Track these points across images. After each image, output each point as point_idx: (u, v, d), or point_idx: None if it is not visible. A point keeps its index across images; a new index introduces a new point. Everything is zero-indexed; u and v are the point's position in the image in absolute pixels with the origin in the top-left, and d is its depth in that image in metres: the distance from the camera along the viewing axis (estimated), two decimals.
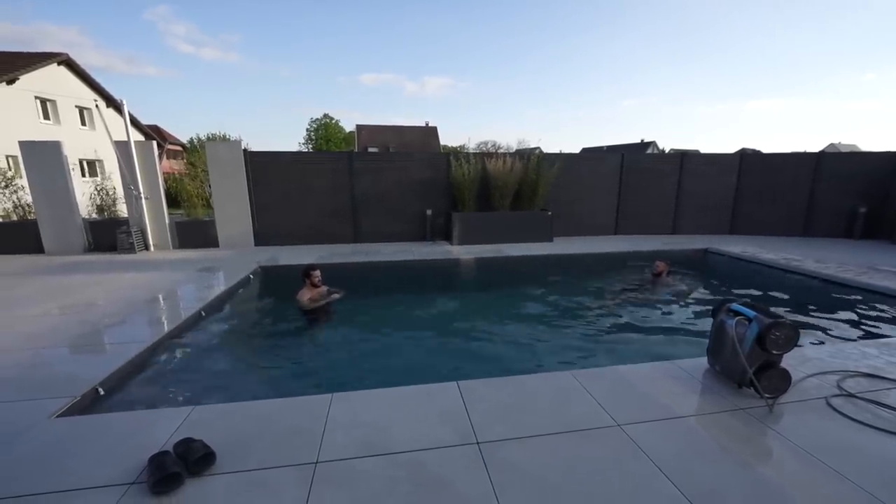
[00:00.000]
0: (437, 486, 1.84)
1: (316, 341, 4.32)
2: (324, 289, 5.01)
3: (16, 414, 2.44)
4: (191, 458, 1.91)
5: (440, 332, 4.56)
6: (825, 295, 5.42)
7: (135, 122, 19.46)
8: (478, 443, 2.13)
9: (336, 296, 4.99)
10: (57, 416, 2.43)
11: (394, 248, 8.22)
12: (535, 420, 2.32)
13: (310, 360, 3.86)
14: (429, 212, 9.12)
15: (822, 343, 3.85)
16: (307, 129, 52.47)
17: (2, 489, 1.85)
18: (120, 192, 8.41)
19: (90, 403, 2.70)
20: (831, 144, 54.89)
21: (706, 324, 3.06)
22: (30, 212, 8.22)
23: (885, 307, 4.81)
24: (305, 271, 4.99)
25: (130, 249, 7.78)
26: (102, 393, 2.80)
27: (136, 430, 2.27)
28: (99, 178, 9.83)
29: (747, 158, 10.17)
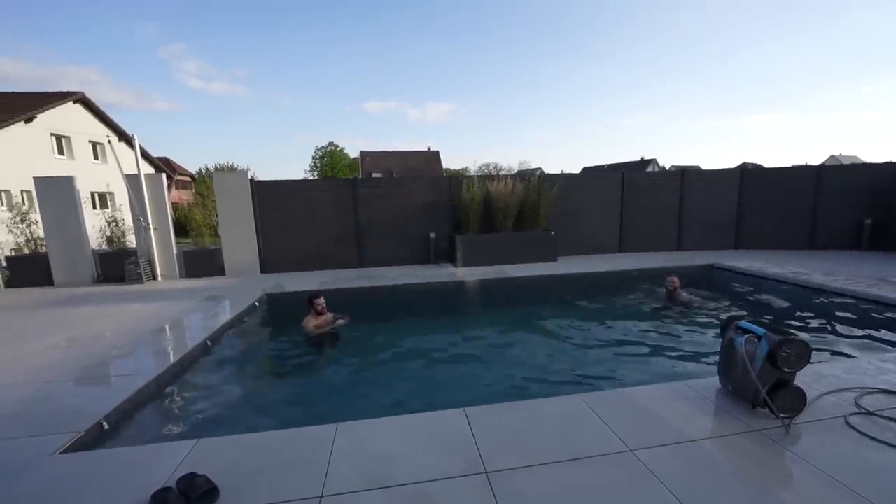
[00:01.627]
0: None
1: (321, 369, 4.28)
2: (329, 316, 5.01)
3: (20, 450, 2.43)
4: (193, 495, 1.88)
5: (446, 356, 4.51)
6: (836, 309, 5.32)
7: (145, 155, 20.04)
8: (486, 472, 2.07)
9: (341, 321, 4.98)
10: (61, 453, 2.41)
11: (398, 272, 8.25)
12: (545, 447, 2.27)
13: (315, 389, 3.83)
14: (432, 235, 9.19)
15: (836, 359, 3.76)
16: (313, 157, 53.69)
17: None
18: (130, 223, 8.59)
19: (95, 438, 2.68)
20: (832, 157, 55.11)
21: (717, 341, 3.01)
22: (41, 245, 8.38)
23: None
24: (309, 299, 5.00)
25: (138, 280, 7.87)
26: (107, 427, 2.78)
27: (140, 466, 2.25)
28: (109, 210, 10.05)
29: (748, 173, 10.23)
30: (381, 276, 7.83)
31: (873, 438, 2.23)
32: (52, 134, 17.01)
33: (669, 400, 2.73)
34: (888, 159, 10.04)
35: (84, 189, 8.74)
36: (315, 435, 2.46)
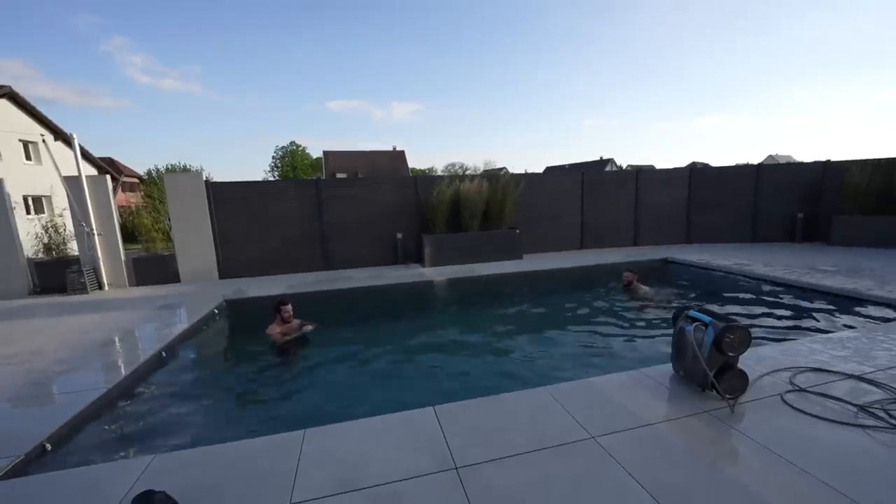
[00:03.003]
0: None
1: (287, 376, 4.16)
2: (295, 323, 4.87)
3: None
4: None
5: (416, 356, 4.52)
6: (774, 295, 5.81)
7: (86, 156, 18.56)
8: (456, 468, 2.11)
9: (308, 328, 4.86)
10: None
11: (365, 274, 8.15)
12: (513, 440, 2.33)
13: (281, 397, 3.72)
14: (399, 235, 9.15)
15: (774, 342, 4.11)
16: (273, 157, 51.88)
17: None
18: (71, 228, 7.94)
19: (36, 461, 2.47)
20: (770, 156, 59.82)
21: (671, 330, 3.20)
22: None
23: (826, 304, 5.21)
24: (276, 305, 4.84)
25: (82, 290, 7.30)
26: (50, 448, 2.58)
27: (91, 487, 2.10)
28: (46, 215, 9.25)
29: (696, 172, 10.93)
30: (347, 279, 7.70)
31: (805, 413, 2.47)
32: None
33: (628, 387, 2.89)
34: (817, 158, 11.04)
35: (16, 192, 7.98)
36: (282, 443, 2.40)
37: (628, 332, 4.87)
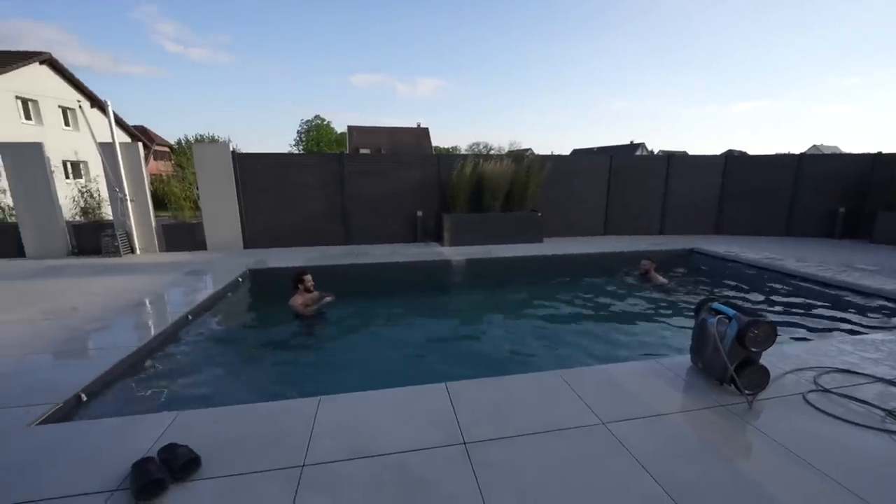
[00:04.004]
0: (422, 487, 1.86)
1: (305, 346, 4.30)
2: (315, 294, 4.99)
3: None
4: (175, 464, 1.90)
5: (431, 333, 4.57)
6: (805, 293, 5.55)
7: (120, 123, 19.14)
8: (464, 443, 2.15)
9: (328, 299, 4.97)
10: (37, 424, 2.39)
11: (385, 250, 8.22)
12: (522, 420, 2.35)
13: (299, 365, 3.85)
14: (419, 213, 9.14)
15: (800, 340, 3.95)
16: (298, 131, 52.17)
17: None
18: (105, 194, 8.27)
19: (73, 410, 2.66)
20: (814, 146, 56.19)
21: (691, 322, 3.12)
22: (10, 214, 8.04)
23: (861, 304, 4.95)
24: (297, 276, 4.96)
25: (115, 253, 7.66)
26: (85, 399, 2.76)
27: (120, 437, 2.25)
28: (83, 181, 9.65)
29: (732, 160, 10.38)
30: (367, 254, 7.79)
31: (827, 413, 2.38)
32: (17, 97, 16.04)
33: (643, 376, 2.84)
34: (865, 150, 10.29)
35: (55, 157, 8.33)
36: (297, 408, 2.49)
37: (645, 322, 4.78)
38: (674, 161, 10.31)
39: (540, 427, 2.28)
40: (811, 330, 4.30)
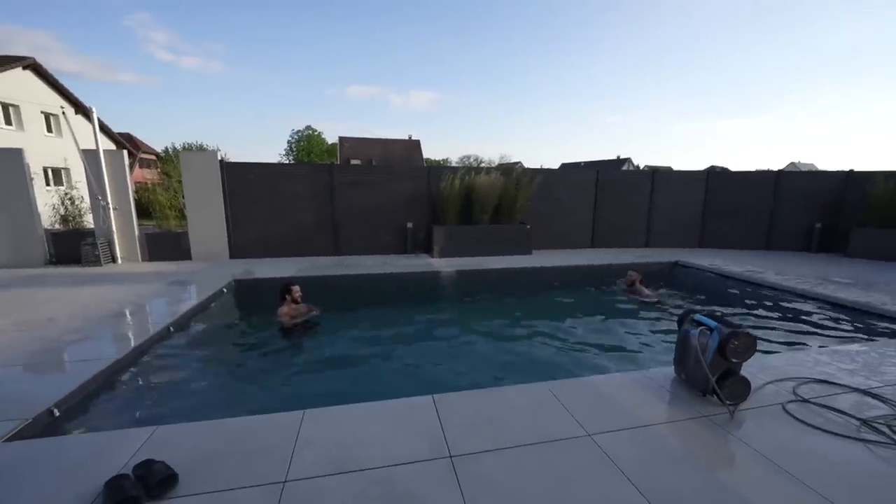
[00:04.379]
0: (408, 502, 1.83)
1: (291, 358, 4.23)
2: (303, 306, 4.93)
3: None
4: (151, 481, 1.84)
5: (418, 345, 4.54)
6: (784, 305, 5.70)
7: (105, 130, 18.84)
8: (451, 456, 2.13)
9: (315, 312, 4.92)
10: (4, 441, 2.29)
11: (374, 261, 8.18)
12: (509, 432, 2.34)
13: (284, 377, 3.78)
14: (410, 224, 9.15)
15: (780, 351, 4.04)
16: (288, 141, 52.00)
17: None
18: (88, 202, 8.10)
19: (44, 426, 2.56)
20: (792, 163, 58.27)
21: (675, 333, 3.17)
22: None
23: (836, 316, 5.10)
24: (285, 287, 4.90)
25: (96, 262, 7.46)
26: (58, 414, 2.66)
27: (94, 453, 2.17)
28: (64, 187, 9.43)
29: (714, 176, 10.69)
30: (356, 265, 7.74)
31: (806, 424, 2.43)
32: None
33: (627, 388, 2.87)
34: (841, 168, 10.73)
35: (35, 163, 8.15)
36: (281, 422, 2.44)
37: (631, 333, 4.83)
38: (658, 176, 10.58)
39: (527, 439, 2.28)
40: (790, 341, 4.41)
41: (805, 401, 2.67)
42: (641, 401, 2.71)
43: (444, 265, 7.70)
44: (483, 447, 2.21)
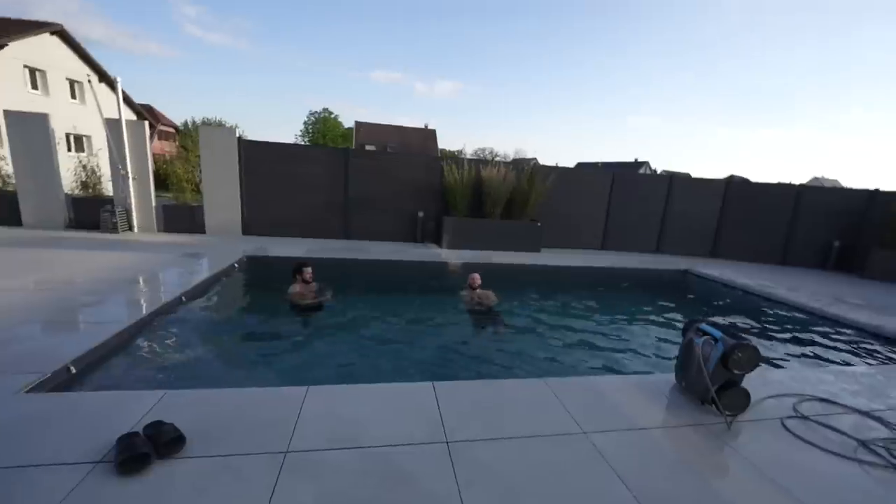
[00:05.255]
0: (403, 480, 1.89)
1: (297, 335, 4.31)
2: (314, 286, 5.01)
3: None
4: (160, 441, 1.92)
5: (422, 333, 4.60)
6: (794, 321, 5.63)
7: (127, 101, 19.10)
8: (447, 442, 2.18)
9: (327, 294, 5.00)
10: (25, 392, 2.41)
11: (384, 248, 8.25)
12: (505, 423, 2.39)
13: (290, 354, 3.86)
14: (420, 214, 9.18)
15: (784, 367, 4.01)
16: (305, 122, 52.07)
17: None
18: (106, 170, 8.27)
19: (61, 382, 2.67)
20: (815, 178, 56.73)
21: (679, 340, 3.17)
22: (8, 182, 8.01)
23: (847, 338, 5.03)
24: (297, 267, 4.98)
25: (113, 229, 7.64)
26: (74, 372, 2.77)
27: (106, 411, 2.27)
28: (85, 154, 9.63)
29: (733, 185, 10.50)
30: (366, 251, 7.81)
31: (804, 440, 2.43)
32: (25, 66, 15.98)
33: (626, 391, 2.89)
34: (865, 186, 10.46)
35: (59, 129, 8.33)
36: (285, 395, 2.52)
37: (633, 338, 4.83)
38: (675, 182, 10.42)
39: (522, 432, 2.32)
40: (795, 357, 4.37)
41: (805, 417, 2.66)
42: (639, 404, 2.73)
43: (452, 256, 7.73)
44: (479, 435, 2.26)
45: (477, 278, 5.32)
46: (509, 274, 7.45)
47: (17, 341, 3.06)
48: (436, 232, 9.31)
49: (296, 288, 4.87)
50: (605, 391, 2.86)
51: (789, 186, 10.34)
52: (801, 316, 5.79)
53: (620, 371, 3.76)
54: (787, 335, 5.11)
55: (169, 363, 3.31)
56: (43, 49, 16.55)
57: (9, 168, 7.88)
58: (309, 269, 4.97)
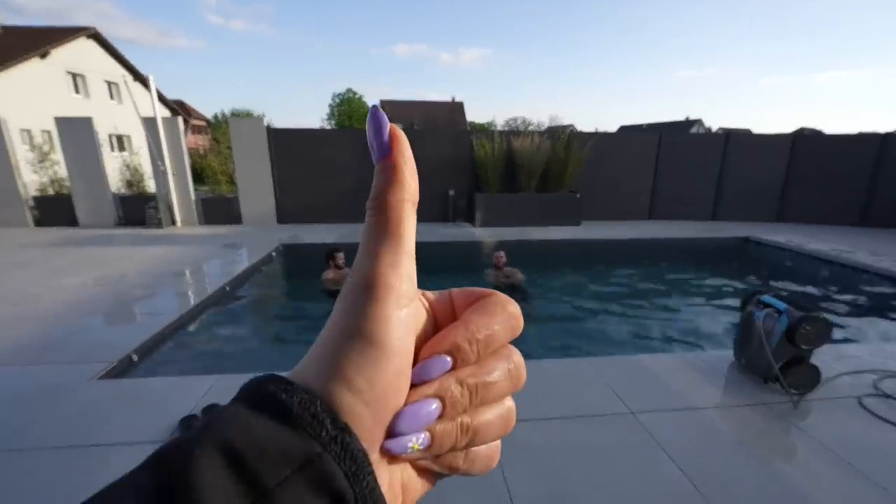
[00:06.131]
0: None
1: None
2: (346, 271, 5.07)
3: (60, 376, 2.62)
4: None
5: None
6: (875, 290, 5.06)
7: (161, 98, 19.78)
8: None
9: None
10: (97, 379, 2.59)
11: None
12: (549, 404, 2.32)
13: None
14: (451, 192, 9.00)
15: (862, 341, 3.66)
16: (329, 105, 52.21)
17: (51, 441, 2.01)
18: (148, 167, 8.65)
19: (125, 369, 2.86)
20: None
21: (735, 315, 2.95)
22: (63, 186, 8.57)
23: None
24: (329, 252, 5.05)
25: (158, 224, 8.05)
26: (136, 359, 2.96)
27: (166, 396, 2.40)
28: (127, 153, 10.11)
29: (802, 140, 9.34)
30: None
31: (885, 420, 2.20)
32: (67, 72, 16.83)
33: (678, 369, 2.73)
34: None
35: (102, 130, 8.74)
36: None
37: (685, 313, 4.57)
38: (732, 140, 9.47)
39: (566, 412, 2.25)
40: (877, 332, 3.96)
41: (888, 396, 2.41)
42: (693, 383, 2.57)
43: (486, 235, 7.59)
44: (522, 416, 2.20)
45: (503, 256, 5.20)
46: (549, 249, 7.22)
47: (83, 332, 3.30)
48: (468, 210, 9.13)
49: (329, 274, 4.95)
50: (654, 370, 2.71)
51: (870, 136, 8.93)
52: (885, 283, 5.18)
53: (671, 350, 3.58)
54: (868, 306, 4.63)
55: (217, 350, 3.48)
56: (80, 53, 17.32)
57: (62, 172, 8.41)
58: (341, 255, 5.02)
